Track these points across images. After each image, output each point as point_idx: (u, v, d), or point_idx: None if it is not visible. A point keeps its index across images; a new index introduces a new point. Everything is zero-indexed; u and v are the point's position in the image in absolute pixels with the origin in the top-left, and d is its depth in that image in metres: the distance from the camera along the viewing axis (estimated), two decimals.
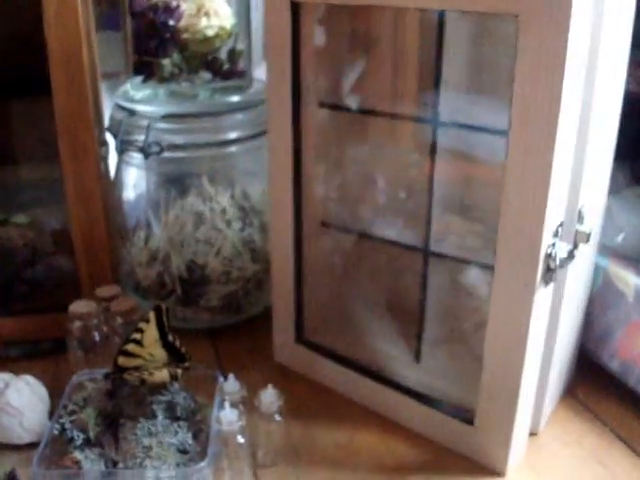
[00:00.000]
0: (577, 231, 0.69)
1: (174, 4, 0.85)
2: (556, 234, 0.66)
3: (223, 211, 0.99)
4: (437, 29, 0.72)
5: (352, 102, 0.84)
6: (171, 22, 0.84)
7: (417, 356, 0.87)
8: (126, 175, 0.99)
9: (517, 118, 0.62)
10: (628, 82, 0.93)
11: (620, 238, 0.88)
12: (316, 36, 0.79)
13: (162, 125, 0.88)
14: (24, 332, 0.95)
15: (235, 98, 0.90)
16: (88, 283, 0.92)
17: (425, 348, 0.87)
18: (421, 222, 0.80)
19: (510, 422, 0.72)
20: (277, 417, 0.75)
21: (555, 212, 0.65)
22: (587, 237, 0.69)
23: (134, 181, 1.00)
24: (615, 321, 0.84)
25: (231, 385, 0.76)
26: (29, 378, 0.82)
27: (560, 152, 0.62)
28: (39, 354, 0.95)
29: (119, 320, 0.84)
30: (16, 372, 0.84)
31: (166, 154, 0.88)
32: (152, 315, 0.76)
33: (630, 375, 0.83)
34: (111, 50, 1.11)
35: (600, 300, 0.86)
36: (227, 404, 0.72)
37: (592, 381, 0.88)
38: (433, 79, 0.74)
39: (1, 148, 1.13)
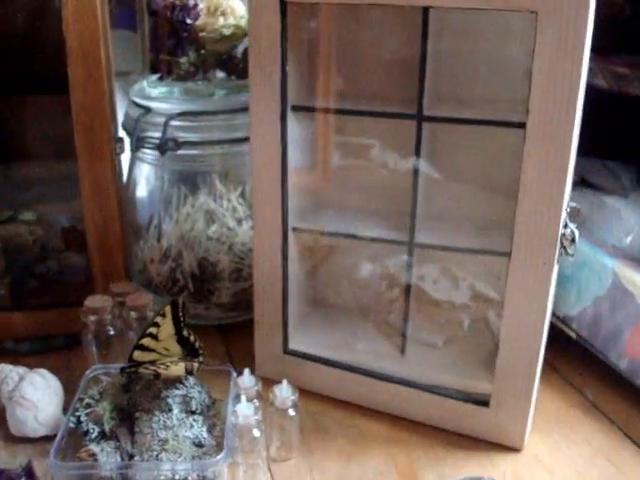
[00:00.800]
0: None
1: (191, 3, 0.86)
2: (567, 214, 0.70)
3: (234, 210, 1.00)
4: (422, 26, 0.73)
5: (337, 103, 0.85)
6: (188, 21, 0.85)
7: (402, 350, 0.89)
8: (139, 172, 1.00)
9: (536, 110, 0.66)
10: (636, 85, 0.95)
11: (629, 240, 0.90)
12: (304, 36, 0.79)
13: (177, 122, 0.89)
14: (36, 327, 0.96)
15: None
16: (101, 279, 0.93)
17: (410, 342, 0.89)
18: (405, 217, 0.82)
19: (528, 398, 0.76)
20: (291, 412, 0.75)
21: (568, 194, 0.69)
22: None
23: (146, 178, 1.01)
24: (624, 321, 0.85)
25: (246, 380, 0.77)
26: (44, 372, 0.83)
27: (575, 138, 0.66)
28: (51, 349, 0.95)
29: (133, 315, 0.84)
30: (29, 367, 0.85)
31: (180, 151, 0.89)
32: (168, 309, 0.77)
33: (638, 374, 0.84)
34: (122, 49, 1.12)
35: (609, 301, 0.87)
36: (243, 398, 0.73)
37: (600, 380, 0.90)
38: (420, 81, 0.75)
39: (7, 145, 1.13)
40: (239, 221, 1.00)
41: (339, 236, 0.87)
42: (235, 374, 0.80)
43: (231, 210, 1.00)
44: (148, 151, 0.91)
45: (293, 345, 0.89)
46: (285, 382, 0.75)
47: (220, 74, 0.91)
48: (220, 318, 0.98)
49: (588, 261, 0.89)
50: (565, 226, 0.70)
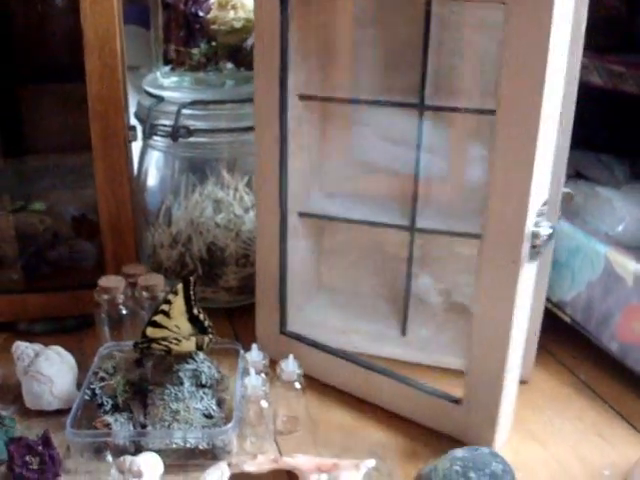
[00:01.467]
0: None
1: None
2: (541, 213, 0.69)
3: (241, 199, 1.04)
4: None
5: (338, 92, 0.88)
6: (201, 14, 0.89)
7: (403, 331, 0.92)
8: (149, 160, 1.04)
9: (504, 100, 0.65)
10: (631, 84, 0.99)
11: (620, 228, 0.93)
12: (304, 27, 0.81)
13: (188, 111, 0.93)
14: (48, 309, 1.00)
15: None
16: (113, 262, 0.97)
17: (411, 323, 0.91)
18: (407, 200, 0.84)
19: (497, 399, 0.74)
20: (297, 385, 0.79)
21: (540, 191, 0.68)
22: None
23: (157, 166, 1.04)
24: (615, 305, 0.89)
25: (254, 354, 0.80)
26: (59, 348, 0.86)
27: (544, 132, 0.65)
28: (63, 330, 0.99)
29: (145, 295, 0.88)
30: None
31: (190, 139, 0.93)
32: (180, 287, 0.80)
33: (628, 356, 0.88)
34: (130, 43, 1.16)
35: (601, 285, 0.90)
36: (252, 370, 0.76)
37: (593, 362, 0.93)
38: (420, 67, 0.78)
39: (20, 136, 1.17)
40: (246, 209, 1.03)
41: (339, 220, 0.90)
42: (242, 351, 0.84)
43: (238, 199, 1.04)
44: (159, 138, 0.95)
45: (293, 326, 0.92)
46: (291, 357, 0.78)
47: (230, 65, 0.94)
48: (227, 301, 1.02)
49: (582, 248, 0.92)
50: (537, 225, 0.69)
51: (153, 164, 1.04)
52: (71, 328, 0.99)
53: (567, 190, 0.74)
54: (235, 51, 0.93)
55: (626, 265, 0.88)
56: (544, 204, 0.69)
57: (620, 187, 1.01)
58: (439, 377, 0.86)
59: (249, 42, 0.93)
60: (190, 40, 0.90)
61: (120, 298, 0.88)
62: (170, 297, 0.80)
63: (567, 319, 0.95)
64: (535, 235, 0.68)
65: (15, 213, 1.14)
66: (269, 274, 0.89)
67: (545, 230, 0.69)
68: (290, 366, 0.78)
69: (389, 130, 0.88)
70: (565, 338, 0.96)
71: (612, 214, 0.94)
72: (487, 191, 0.69)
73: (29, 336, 0.95)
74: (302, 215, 0.89)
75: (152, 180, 1.05)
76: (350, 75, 0.87)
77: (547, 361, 0.94)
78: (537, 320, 0.86)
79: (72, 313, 1.00)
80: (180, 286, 0.80)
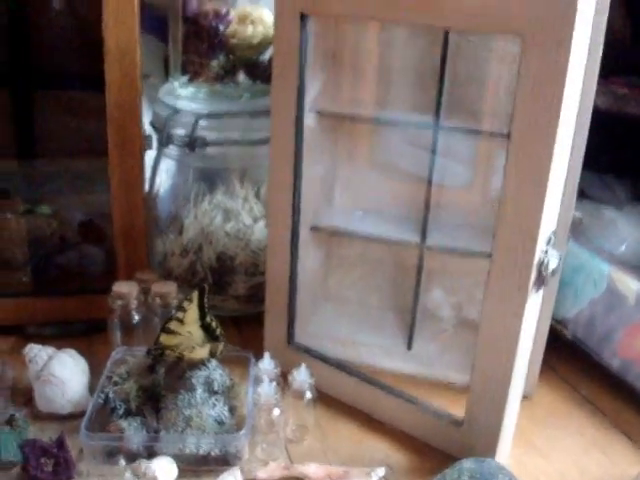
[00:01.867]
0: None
1: (224, 11, 0.91)
2: (548, 242, 0.71)
3: (250, 208, 1.05)
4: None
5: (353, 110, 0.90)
6: (221, 28, 0.90)
7: (409, 345, 0.93)
8: (162, 168, 1.05)
9: (517, 129, 0.67)
10: (634, 105, 1.01)
11: (623, 247, 0.96)
12: (321, 46, 0.84)
13: (203, 122, 0.94)
14: (57, 313, 1.01)
15: None
16: (125, 269, 0.98)
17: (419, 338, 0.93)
18: (418, 217, 0.86)
19: (500, 418, 0.76)
20: (308, 394, 0.80)
21: (550, 220, 0.70)
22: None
23: (169, 174, 1.06)
24: (617, 323, 0.91)
25: (267, 362, 0.82)
26: (72, 352, 0.87)
27: (557, 161, 0.67)
28: (72, 334, 0.99)
29: (158, 302, 0.89)
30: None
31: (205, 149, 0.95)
32: (195, 295, 0.82)
33: (630, 372, 0.90)
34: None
35: (603, 303, 0.93)
36: (265, 378, 0.78)
37: (594, 378, 0.95)
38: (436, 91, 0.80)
39: (31, 141, 1.18)
40: (255, 219, 1.05)
41: (352, 235, 0.92)
42: (253, 359, 0.85)
43: (248, 209, 1.05)
44: (174, 147, 0.96)
45: (299, 337, 0.93)
46: (304, 366, 0.80)
47: (246, 78, 0.96)
48: (235, 310, 1.03)
49: (585, 266, 0.95)
50: (545, 253, 0.70)
51: (165, 172, 1.05)
52: (80, 332, 1.00)
53: (577, 214, 0.76)
54: (251, 64, 0.95)
55: (628, 284, 0.90)
56: (553, 233, 0.71)
57: (622, 207, 1.03)
58: (444, 392, 0.87)
59: (266, 56, 0.94)
60: (209, 53, 0.91)
61: (133, 304, 0.89)
62: (185, 304, 0.82)
63: (569, 335, 0.97)
64: (543, 264, 0.70)
65: (23, 216, 1.15)
66: (279, 286, 0.91)
67: (553, 261, 0.70)
68: (302, 375, 0.80)
69: (402, 146, 0.90)
70: (567, 354, 0.98)
71: (615, 234, 0.97)
72: (496, 217, 0.70)
73: (38, 339, 0.96)
74: (314, 229, 0.90)
75: (163, 187, 1.06)
76: (366, 92, 0.89)
77: (549, 377, 0.96)
78: (542, 337, 0.88)
79: (81, 317, 1.01)
80: (195, 294, 0.81)
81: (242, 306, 1.04)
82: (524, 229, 0.69)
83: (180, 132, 0.95)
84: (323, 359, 0.90)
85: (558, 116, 0.65)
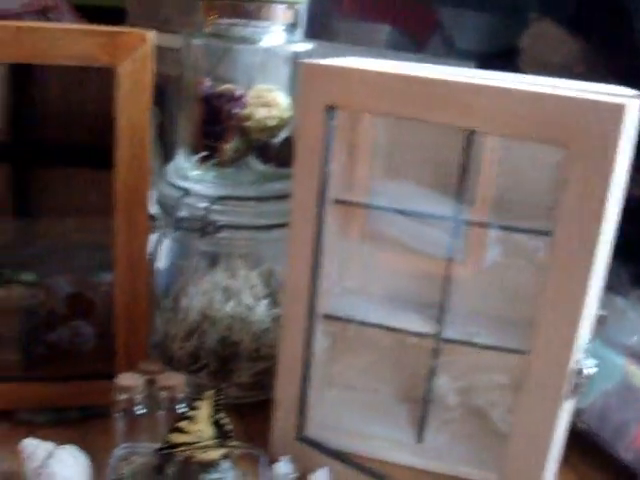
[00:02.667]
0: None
1: (238, 93, 0.89)
2: (584, 348, 0.70)
3: (252, 287, 1.02)
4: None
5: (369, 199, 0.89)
6: (236, 110, 0.88)
7: (420, 437, 0.91)
8: (160, 246, 1.02)
9: (561, 229, 0.67)
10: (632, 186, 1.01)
11: (635, 338, 0.95)
12: (342, 137, 0.82)
13: (214, 206, 0.91)
14: (50, 398, 0.95)
15: (285, 186, 0.94)
16: (124, 354, 0.93)
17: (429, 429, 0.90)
18: (433, 304, 0.84)
19: None
20: None
21: (586, 329, 0.69)
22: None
23: (168, 252, 1.02)
24: (632, 416, 0.90)
25: (283, 467, 0.78)
26: (72, 448, 0.82)
27: (595, 270, 0.67)
28: (66, 421, 0.94)
29: (164, 394, 0.85)
30: (45, 439, 0.83)
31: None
32: (210, 395, 0.78)
33: None
34: None
35: (617, 395, 0.91)
36: None
37: (607, 469, 0.93)
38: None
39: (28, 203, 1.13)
40: (257, 298, 1.02)
41: (367, 325, 0.90)
42: (265, 459, 0.81)
43: (249, 287, 1.02)
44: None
45: (308, 430, 0.89)
46: (326, 469, 0.76)
47: (257, 161, 0.94)
48: (238, 398, 0.99)
49: (599, 356, 0.93)
50: (580, 362, 0.70)
51: (164, 250, 1.02)
52: (75, 419, 0.95)
53: (602, 313, 0.75)
54: (262, 147, 0.93)
55: None
56: (589, 342, 0.70)
57: (627, 293, 1.03)
58: None
59: (279, 139, 0.92)
60: (224, 135, 0.89)
61: (138, 397, 0.84)
62: (197, 403, 0.78)
63: (582, 426, 0.95)
64: (577, 373, 0.69)
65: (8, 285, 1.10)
66: (291, 376, 0.87)
67: (588, 369, 0.69)
68: (322, 478, 0.76)
69: (417, 235, 0.88)
70: (580, 444, 0.96)
71: (627, 324, 0.96)
72: (532, 322, 0.69)
73: (31, 427, 0.91)
74: (327, 317, 0.87)
75: (162, 266, 1.03)
76: (382, 182, 0.88)
77: (562, 468, 0.94)
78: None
79: (75, 404, 0.95)
80: (210, 393, 0.78)
81: (245, 393, 0.99)
82: (560, 335, 0.68)
83: (188, 215, 0.91)
84: (334, 454, 0.86)
85: (601, 217, 0.65)
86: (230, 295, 1.01)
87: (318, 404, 0.95)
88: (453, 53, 1.33)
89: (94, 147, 0.92)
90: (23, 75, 0.91)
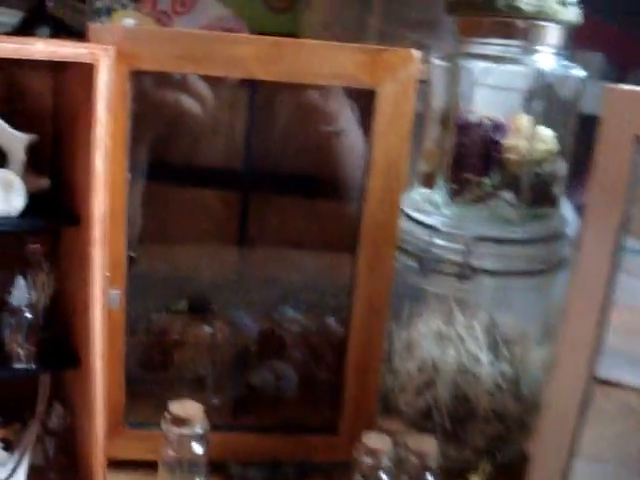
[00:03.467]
0: None
1: (500, 122, 0.79)
2: None
3: (476, 338, 0.91)
4: None
5: None
6: (499, 139, 0.78)
7: None
8: None
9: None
10: None
11: None
12: None
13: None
14: (266, 451, 0.86)
15: (546, 227, 0.83)
16: (353, 405, 0.84)
17: None
18: None
19: None
20: None
21: None
22: None
23: None
24: None
25: None
26: None
27: None
28: (282, 479, 0.85)
29: (414, 461, 0.74)
30: None
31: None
32: (486, 468, 0.67)
33: None
34: None
35: None
36: None
37: None
38: None
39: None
40: (481, 350, 0.90)
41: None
42: None
43: (472, 336, 0.91)
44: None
45: None
46: None
47: (513, 198, 0.82)
48: (468, 462, 0.88)
49: None
50: None
51: None
52: (289, 476, 0.86)
53: None
54: (518, 183, 0.82)
55: None
56: None
57: None
58: None
59: (532, 174, 0.81)
60: (484, 168, 0.79)
61: (386, 462, 0.74)
62: (471, 476, 0.68)
63: None
64: None
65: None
66: (554, 449, 0.76)
67: None
68: None
69: None
70: None
71: None
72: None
73: None
74: (603, 382, 0.75)
75: None
76: None
77: None
78: None
79: (290, 459, 0.86)
80: (485, 467, 0.67)
81: (477, 458, 0.88)
82: None
83: (438, 255, 0.81)
84: None
85: None
86: (444, 343, 0.90)
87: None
88: None
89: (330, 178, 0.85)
90: (264, 98, 0.83)
